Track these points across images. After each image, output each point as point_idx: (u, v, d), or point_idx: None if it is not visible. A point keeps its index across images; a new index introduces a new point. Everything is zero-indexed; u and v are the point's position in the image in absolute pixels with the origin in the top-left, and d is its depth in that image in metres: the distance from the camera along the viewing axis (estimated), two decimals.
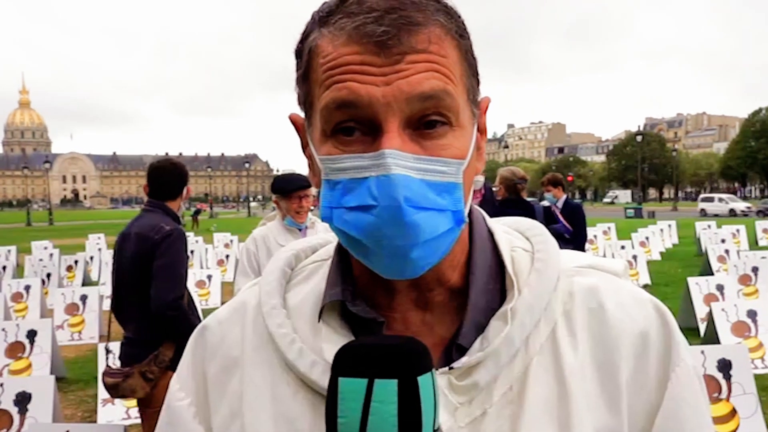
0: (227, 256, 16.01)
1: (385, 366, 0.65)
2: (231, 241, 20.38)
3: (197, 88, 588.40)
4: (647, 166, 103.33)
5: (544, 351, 0.79)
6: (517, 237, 0.89)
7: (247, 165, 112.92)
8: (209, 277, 12.45)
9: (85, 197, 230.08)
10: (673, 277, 13.80)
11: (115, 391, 3.71)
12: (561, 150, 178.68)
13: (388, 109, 0.70)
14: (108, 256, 16.42)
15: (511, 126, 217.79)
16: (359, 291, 0.83)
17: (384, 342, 0.69)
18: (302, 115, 0.82)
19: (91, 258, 17.03)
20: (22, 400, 4.75)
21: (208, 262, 16.14)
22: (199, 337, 0.90)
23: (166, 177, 3.97)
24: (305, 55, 0.76)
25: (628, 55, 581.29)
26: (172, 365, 3.61)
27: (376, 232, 0.70)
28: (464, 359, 0.77)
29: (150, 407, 3.71)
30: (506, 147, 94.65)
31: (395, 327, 0.81)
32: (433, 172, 0.72)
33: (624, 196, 75.89)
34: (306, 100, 0.78)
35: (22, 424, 4.68)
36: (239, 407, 0.82)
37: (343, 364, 0.67)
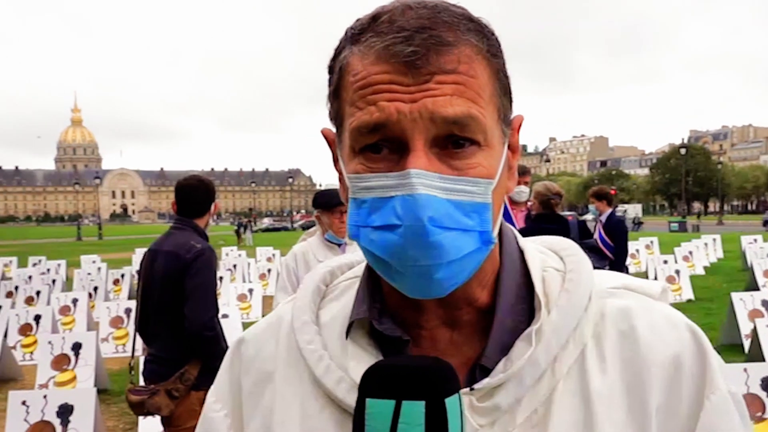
0: (269, 270, 16.13)
1: (413, 387, 0.66)
2: (273, 255, 20.59)
3: (242, 104, 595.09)
4: (692, 180, 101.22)
5: (571, 374, 0.77)
6: (551, 257, 0.88)
7: (290, 180, 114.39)
8: (251, 290, 12.58)
9: (133, 212, 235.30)
10: (717, 293, 13.45)
11: (140, 409, 3.71)
12: (603, 163, 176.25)
13: (414, 126, 0.70)
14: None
15: (552, 139, 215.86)
16: (388, 308, 0.83)
17: (412, 363, 0.69)
18: (333, 130, 0.82)
19: (138, 272, 17.29)
20: (65, 411, 4.87)
21: (250, 276, 16.29)
22: (236, 350, 0.92)
23: (194, 194, 4.00)
24: (336, 72, 0.77)
25: (672, 66, 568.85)
26: (197, 384, 3.63)
27: (400, 252, 0.70)
28: (485, 381, 0.76)
29: (171, 425, 3.72)
30: (547, 161, 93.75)
31: (422, 345, 0.81)
32: (461, 192, 0.71)
33: (633, 210, 73.23)
34: (337, 116, 0.79)
35: None
36: (270, 421, 0.83)
37: (371, 384, 0.68)
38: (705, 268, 18.15)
